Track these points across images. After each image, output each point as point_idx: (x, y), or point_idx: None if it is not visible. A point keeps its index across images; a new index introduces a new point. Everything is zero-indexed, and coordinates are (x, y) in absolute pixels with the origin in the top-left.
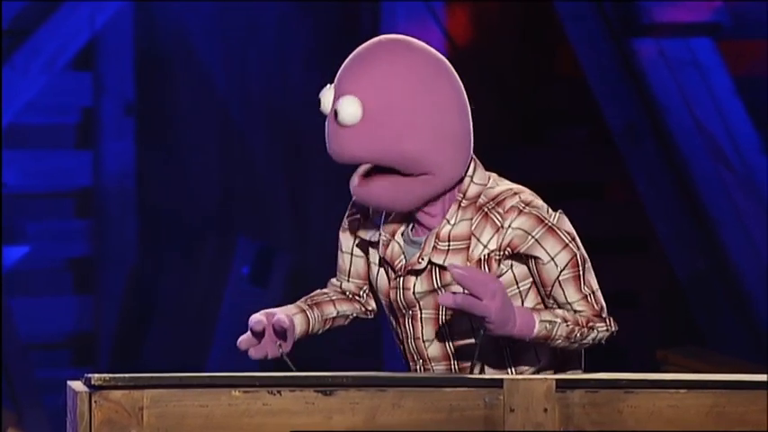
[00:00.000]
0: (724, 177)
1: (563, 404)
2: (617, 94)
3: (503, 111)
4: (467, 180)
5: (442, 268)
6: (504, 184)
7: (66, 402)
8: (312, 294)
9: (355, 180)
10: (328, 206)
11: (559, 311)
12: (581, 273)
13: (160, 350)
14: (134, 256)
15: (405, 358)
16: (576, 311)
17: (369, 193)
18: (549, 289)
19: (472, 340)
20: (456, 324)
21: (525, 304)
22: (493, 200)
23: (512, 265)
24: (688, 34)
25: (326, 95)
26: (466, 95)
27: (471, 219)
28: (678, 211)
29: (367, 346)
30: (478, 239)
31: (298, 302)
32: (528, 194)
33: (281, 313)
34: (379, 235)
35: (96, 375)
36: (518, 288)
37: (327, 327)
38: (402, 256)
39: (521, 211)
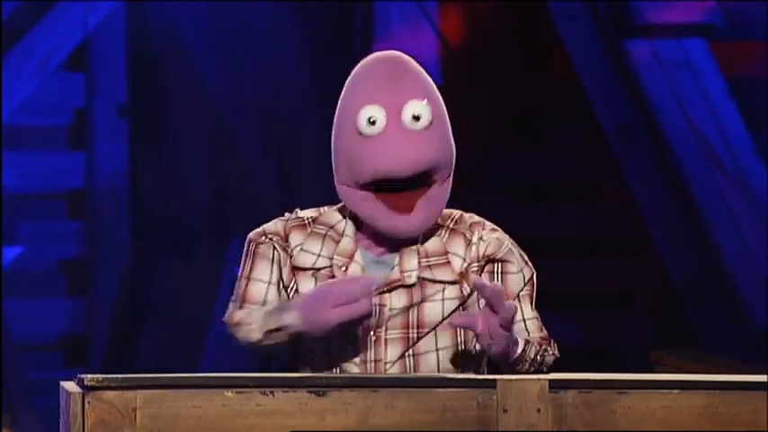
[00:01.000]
0: (717, 179)
1: (556, 404)
2: (610, 95)
3: (496, 112)
4: None
5: (431, 282)
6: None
7: (60, 403)
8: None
9: (397, 219)
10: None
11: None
12: (533, 294)
13: (154, 351)
14: (127, 257)
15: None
16: (528, 332)
17: (417, 220)
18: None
19: (435, 358)
20: (423, 343)
21: None
22: (450, 218)
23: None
24: (681, 35)
25: (376, 110)
26: None
27: (440, 235)
28: (672, 212)
29: None
30: (454, 254)
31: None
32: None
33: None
34: (331, 260)
35: (89, 376)
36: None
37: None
38: None
39: (485, 225)
